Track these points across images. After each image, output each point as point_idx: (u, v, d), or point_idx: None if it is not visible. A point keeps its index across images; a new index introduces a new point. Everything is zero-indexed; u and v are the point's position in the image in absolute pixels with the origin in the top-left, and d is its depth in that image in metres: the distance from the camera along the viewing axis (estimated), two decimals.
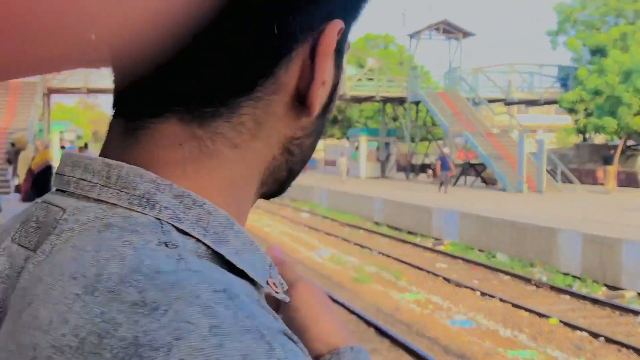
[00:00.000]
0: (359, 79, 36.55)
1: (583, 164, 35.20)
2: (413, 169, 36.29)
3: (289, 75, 0.49)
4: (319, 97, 0.51)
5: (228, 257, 0.46)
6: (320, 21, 0.49)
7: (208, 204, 0.47)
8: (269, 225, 21.93)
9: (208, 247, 0.45)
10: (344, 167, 32.35)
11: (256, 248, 0.50)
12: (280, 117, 0.50)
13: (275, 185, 0.58)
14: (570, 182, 25.67)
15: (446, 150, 25.98)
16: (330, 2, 0.49)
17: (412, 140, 36.85)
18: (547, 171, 25.78)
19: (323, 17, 0.49)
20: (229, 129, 0.48)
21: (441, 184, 24.59)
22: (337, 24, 0.49)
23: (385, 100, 37.60)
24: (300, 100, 0.50)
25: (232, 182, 0.50)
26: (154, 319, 0.37)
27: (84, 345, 0.37)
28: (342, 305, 10.39)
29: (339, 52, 0.53)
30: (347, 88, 34.57)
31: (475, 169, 30.20)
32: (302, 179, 34.28)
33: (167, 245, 0.43)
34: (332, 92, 0.54)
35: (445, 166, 24.31)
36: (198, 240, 0.45)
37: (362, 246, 17.13)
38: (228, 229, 0.47)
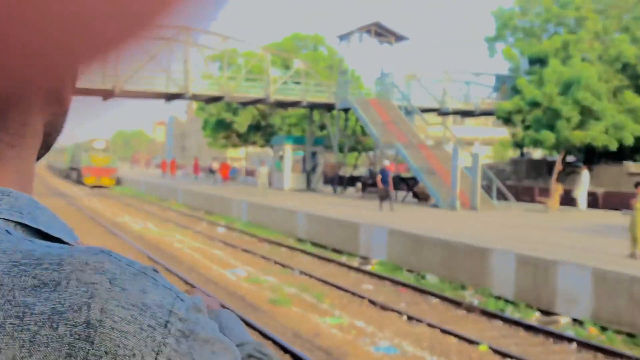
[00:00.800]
0: (284, 82, 36.57)
1: (520, 180, 36.32)
2: (341, 182, 36.52)
3: None
4: (69, 90, 0.70)
5: (47, 230, 0.60)
6: None
7: (13, 192, 0.61)
8: (180, 241, 21.55)
9: (26, 226, 0.59)
10: (265, 178, 32.08)
11: (58, 218, 0.66)
12: (41, 112, 0.67)
13: (39, 156, 0.75)
14: (506, 199, 26.37)
15: (386, 162, 25.84)
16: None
17: (341, 150, 37.10)
18: (483, 187, 26.40)
19: None
20: (5, 135, 0.62)
21: (381, 199, 24.39)
22: None
23: (313, 106, 37.74)
24: (56, 96, 0.68)
25: (19, 172, 0.65)
26: (62, 291, 0.50)
27: (5, 328, 0.48)
28: (256, 329, 10.24)
29: None
30: (271, 91, 34.52)
31: (406, 183, 30.64)
32: (220, 190, 33.88)
33: (9, 232, 0.56)
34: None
35: (385, 180, 24.28)
36: (17, 223, 0.59)
37: (282, 265, 17.05)
38: (36, 209, 0.62)
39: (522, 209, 26.94)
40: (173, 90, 33.64)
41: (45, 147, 0.75)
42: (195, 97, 36.37)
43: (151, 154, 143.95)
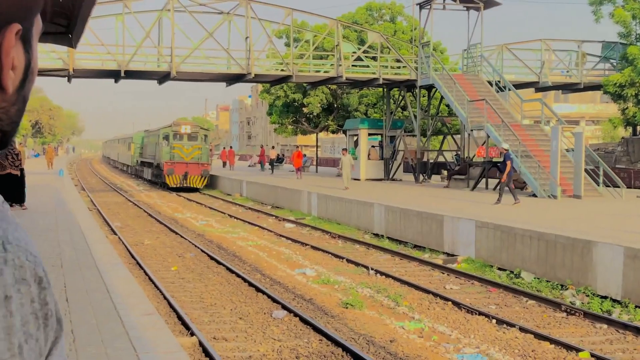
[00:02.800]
0: (358, 58, 36.55)
1: (633, 163, 35.27)
2: (424, 169, 36.31)
3: None
4: (10, 79, 0.88)
5: None
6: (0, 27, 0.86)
7: None
8: (243, 238, 21.90)
9: None
10: (348, 168, 30.16)
11: None
12: None
13: None
14: (616, 185, 25.71)
15: (505, 145, 24.08)
16: (3, 16, 0.86)
17: (423, 134, 36.86)
18: (587, 172, 25.79)
19: (2, 24, 0.86)
20: None
21: (500, 193, 22.49)
22: (14, 28, 0.87)
23: (391, 85, 37.61)
24: None
25: None
26: None
27: None
28: (325, 334, 10.35)
29: (25, 40, 0.90)
30: (343, 69, 34.58)
31: (499, 169, 30.16)
32: (290, 182, 34.20)
33: None
34: (26, 71, 0.91)
35: (508, 167, 22.51)
36: None
37: (356, 264, 17.13)
38: None
39: (634, 196, 26.18)
40: (235, 70, 34.09)
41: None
42: (258, 78, 36.78)
43: (214, 142, 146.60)
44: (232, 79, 35.82)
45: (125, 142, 69.44)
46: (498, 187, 23.16)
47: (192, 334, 10.26)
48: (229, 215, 28.83)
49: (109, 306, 8.51)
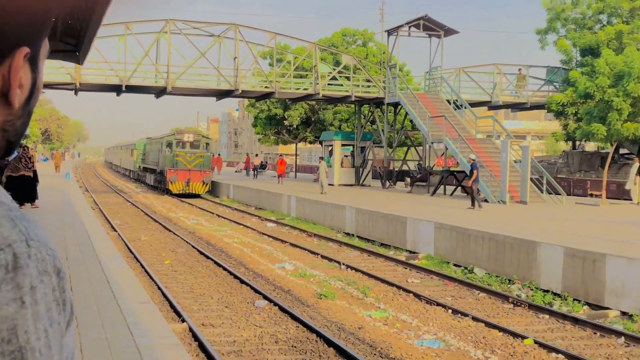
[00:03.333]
0: (333, 78, 36.57)
1: (572, 173, 35.61)
2: (390, 177, 36.38)
3: None
4: (17, 96, 0.90)
5: None
6: (10, 50, 0.87)
7: None
8: (230, 235, 21.81)
9: None
10: (324, 175, 30.07)
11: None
12: None
13: (0, 152, 0.93)
14: (557, 193, 25.91)
15: (472, 155, 23.97)
16: (13, 39, 0.87)
17: (390, 145, 36.94)
18: (533, 181, 25.97)
19: (13, 47, 0.88)
20: None
21: (472, 198, 22.48)
22: (23, 51, 0.89)
23: (362, 102, 37.68)
24: (6, 99, 0.89)
25: None
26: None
27: None
28: (301, 321, 10.32)
29: (32, 61, 0.92)
30: (320, 87, 34.59)
31: (455, 177, 30.35)
32: (272, 186, 34.07)
33: None
34: (32, 89, 0.93)
35: (476, 178, 22.61)
36: None
37: (329, 259, 17.11)
38: None
39: (573, 202, 26.43)
40: (224, 86, 33.97)
41: (6, 149, 0.93)
42: (245, 94, 36.67)
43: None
44: (222, 94, 35.69)
45: (128, 149, 65.91)
46: (470, 194, 22.96)
47: (183, 321, 10.20)
48: (217, 215, 28.72)
49: (108, 295, 8.44)
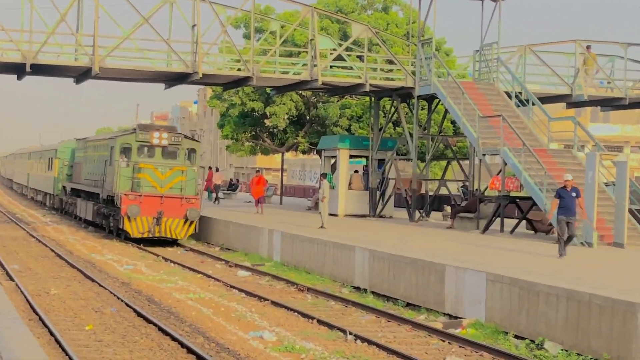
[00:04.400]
0: (339, 57, 36.68)
1: None
2: (422, 204, 36.42)
3: None
4: None
5: None
6: None
7: None
8: (182, 288, 21.79)
9: None
10: (327, 200, 30.19)
11: None
12: None
13: None
14: None
15: (569, 176, 22.62)
16: None
17: (421, 158, 37.03)
18: (633, 212, 26.00)
19: None
20: None
21: (562, 241, 21.58)
22: None
23: (380, 93, 37.81)
24: None
25: None
26: None
27: None
28: None
29: None
30: (319, 71, 34.68)
31: (518, 207, 30.38)
32: (246, 217, 34.13)
33: None
34: None
35: (570, 206, 21.62)
36: None
37: (330, 326, 17.09)
38: None
39: None
40: (176, 68, 34.05)
41: None
42: (207, 80, 36.77)
43: None
44: (173, 79, 35.80)
45: (43, 158, 58.02)
46: (559, 235, 21.78)
47: None
48: (163, 258, 28.69)
49: None
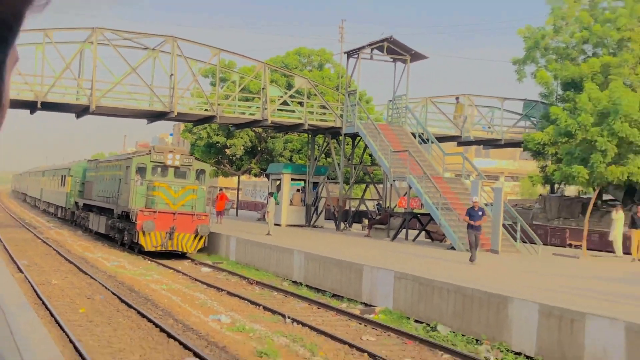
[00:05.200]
0: (284, 102, 36.79)
1: (549, 220, 36.31)
2: (346, 217, 36.58)
3: None
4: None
5: None
6: None
7: None
8: (157, 281, 21.56)
9: None
10: (272, 213, 30.12)
11: None
12: None
13: None
14: (533, 242, 26.36)
15: (475, 198, 22.70)
16: None
17: (346, 181, 37.22)
18: (506, 227, 26.38)
19: None
20: None
21: (473, 249, 21.16)
22: None
23: (316, 131, 37.95)
24: None
25: None
26: None
27: None
28: None
29: None
30: (269, 112, 34.73)
31: (419, 221, 30.68)
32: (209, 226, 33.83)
33: None
34: None
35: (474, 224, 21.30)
36: None
37: (273, 311, 17.05)
38: None
39: (550, 253, 26.91)
40: (157, 107, 33.82)
41: None
42: (181, 117, 36.60)
43: None
44: (154, 116, 35.55)
45: (57, 175, 53.70)
46: (472, 246, 21.37)
47: None
48: (142, 256, 28.36)
49: (11, 348, 8.23)
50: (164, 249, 28.13)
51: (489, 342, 13.89)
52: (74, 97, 33.59)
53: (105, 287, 19.44)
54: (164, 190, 28.50)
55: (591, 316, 11.99)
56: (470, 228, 21.30)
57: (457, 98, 37.57)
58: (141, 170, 29.62)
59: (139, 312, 15.87)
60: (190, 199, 28.81)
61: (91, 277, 21.34)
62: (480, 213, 21.45)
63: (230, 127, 42.43)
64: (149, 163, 29.55)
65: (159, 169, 29.73)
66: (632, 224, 25.11)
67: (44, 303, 16.38)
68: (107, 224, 33.55)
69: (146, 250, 28.02)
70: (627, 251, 25.40)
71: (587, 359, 11.89)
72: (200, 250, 28.80)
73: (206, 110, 35.36)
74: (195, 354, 12.07)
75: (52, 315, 15.00)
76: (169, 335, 13.55)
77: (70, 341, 12.60)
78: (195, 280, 22.09)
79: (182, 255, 28.93)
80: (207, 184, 31.24)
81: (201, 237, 28.42)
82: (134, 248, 29.59)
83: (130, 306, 16.66)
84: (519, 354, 13.16)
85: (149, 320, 15.03)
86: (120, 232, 31.34)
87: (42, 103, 31.88)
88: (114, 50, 32.66)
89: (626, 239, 25.56)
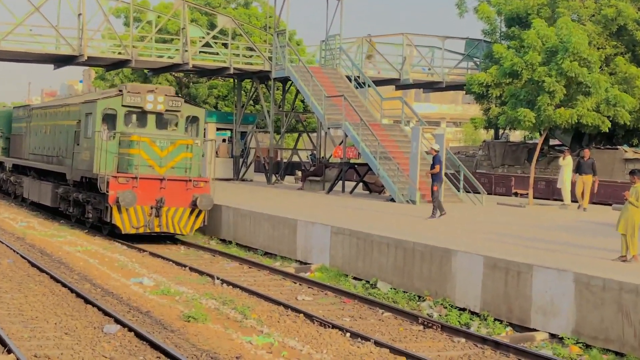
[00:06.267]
0: (207, 44, 36.33)
1: (494, 167, 37.01)
2: (277, 170, 36.59)
3: None
4: None
5: None
6: None
7: None
8: (71, 242, 21.31)
9: None
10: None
11: None
12: None
13: None
14: (477, 191, 26.79)
15: (436, 145, 22.31)
16: None
17: (277, 130, 37.14)
18: (448, 176, 26.74)
19: None
20: None
21: (435, 205, 20.90)
22: None
23: (242, 75, 37.64)
24: None
25: None
26: None
27: None
28: (163, 350, 10.25)
29: None
30: (190, 55, 34.24)
31: (356, 171, 30.87)
32: None
33: None
34: None
35: (437, 175, 21.29)
36: None
37: (200, 272, 17.07)
38: None
39: (495, 202, 27.45)
40: (64, 51, 33.09)
41: None
42: (92, 61, 35.86)
43: None
44: (61, 60, 34.73)
45: None
46: (433, 200, 21.02)
47: (10, 352, 9.90)
48: (52, 216, 27.93)
49: None
50: (148, 231, 21.55)
51: (432, 298, 14.18)
52: None
53: (14, 250, 19.12)
54: (145, 146, 21.59)
55: (538, 268, 12.33)
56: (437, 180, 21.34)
57: (368, 36, 37.83)
58: (109, 119, 22.58)
59: (52, 277, 15.68)
60: (183, 159, 22.05)
61: None
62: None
63: (147, 72, 41.78)
64: (120, 108, 22.53)
65: (134, 116, 22.86)
66: (578, 168, 25.66)
67: None
68: (55, 194, 26.34)
69: (124, 233, 21.40)
70: (575, 199, 26.05)
71: (535, 312, 12.26)
72: None
73: (120, 53, 34.69)
74: (117, 320, 12.02)
75: None
76: (87, 301, 13.45)
77: None
78: (114, 240, 21.88)
79: None
80: (202, 136, 24.86)
81: (200, 211, 21.97)
82: (103, 229, 23.17)
83: (42, 270, 16.45)
84: (463, 309, 13.48)
85: (64, 285, 14.88)
86: (79, 206, 24.39)
87: None
88: None
89: (572, 185, 26.18)
